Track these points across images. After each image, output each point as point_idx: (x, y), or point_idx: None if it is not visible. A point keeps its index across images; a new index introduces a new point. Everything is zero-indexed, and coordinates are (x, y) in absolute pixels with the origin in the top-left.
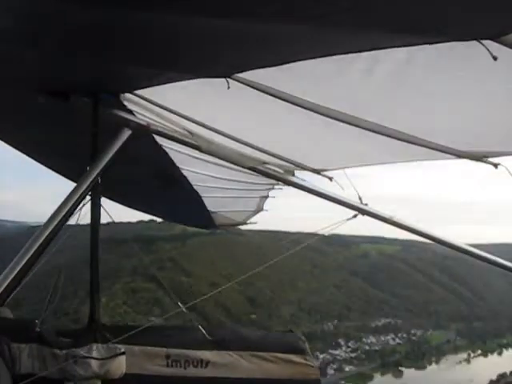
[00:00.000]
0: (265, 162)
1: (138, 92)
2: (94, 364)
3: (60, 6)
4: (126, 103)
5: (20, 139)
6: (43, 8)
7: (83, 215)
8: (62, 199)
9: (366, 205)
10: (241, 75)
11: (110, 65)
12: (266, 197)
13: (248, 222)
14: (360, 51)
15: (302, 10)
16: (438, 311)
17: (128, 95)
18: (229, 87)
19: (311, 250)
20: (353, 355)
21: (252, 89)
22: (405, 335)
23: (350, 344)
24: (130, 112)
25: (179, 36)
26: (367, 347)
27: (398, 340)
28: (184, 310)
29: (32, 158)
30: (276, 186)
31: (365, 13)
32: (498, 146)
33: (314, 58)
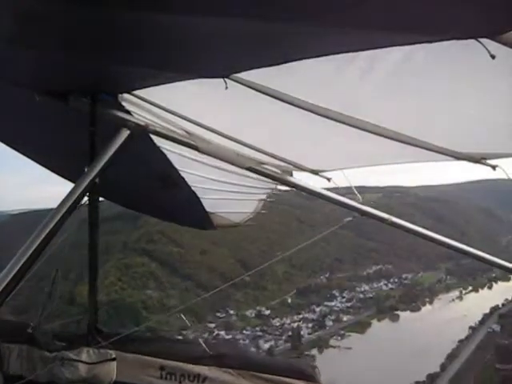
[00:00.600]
0: (263, 163)
1: (136, 92)
2: (82, 368)
3: (58, 6)
4: (124, 103)
5: (18, 139)
6: (41, 8)
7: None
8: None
9: (365, 205)
10: (239, 75)
11: (108, 65)
12: (265, 200)
13: (246, 222)
14: (358, 51)
15: (299, 9)
16: (425, 253)
17: (126, 95)
18: (227, 87)
19: (296, 207)
20: (348, 305)
21: (250, 89)
22: (396, 280)
23: (344, 294)
24: (128, 112)
25: (177, 36)
26: (361, 295)
27: (390, 285)
28: (184, 318)
29: (30, 158)
30: (275, 190)
31: (362, 12)
32: (496, 148)
33: (312, 57)
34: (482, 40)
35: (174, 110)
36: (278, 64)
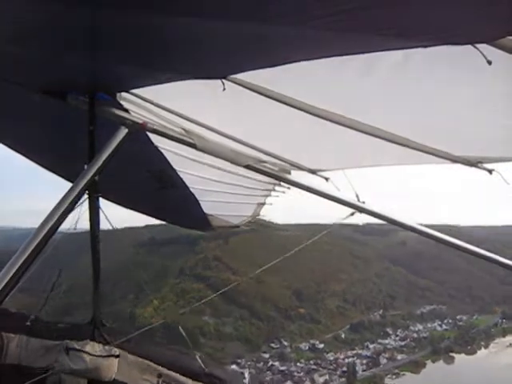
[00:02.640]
0: (261, 161)
1: (135, 91)
2: (86, 359)
3: (57, 6)
4: (122, 102)
5: (16, 139)
6: (40, 8)
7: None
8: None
9: (364, 203)
10: (237, 76)
11: (106, 64)
12: (263, 204)
13: (244, 225)
14: (357, 54)
15: (298, 12)
16: (480, 295)
17: (124, 94)
18: (224, 88)
19: (350, 240)
20: (402, 343)
21: (248, 90)
22: (451, 321)
23: (398, 332)
24: (126, 111)
25: (175, 37)
26: (415, 335)
27: (444, 326)
28: (183, 333)
29: (28, 157)
30: (273, 193)
31: (361, 15)
32: (493, 152)
33: (309, 59)
34: (478, 45)
35: (172, 108)
36: (276, 66)
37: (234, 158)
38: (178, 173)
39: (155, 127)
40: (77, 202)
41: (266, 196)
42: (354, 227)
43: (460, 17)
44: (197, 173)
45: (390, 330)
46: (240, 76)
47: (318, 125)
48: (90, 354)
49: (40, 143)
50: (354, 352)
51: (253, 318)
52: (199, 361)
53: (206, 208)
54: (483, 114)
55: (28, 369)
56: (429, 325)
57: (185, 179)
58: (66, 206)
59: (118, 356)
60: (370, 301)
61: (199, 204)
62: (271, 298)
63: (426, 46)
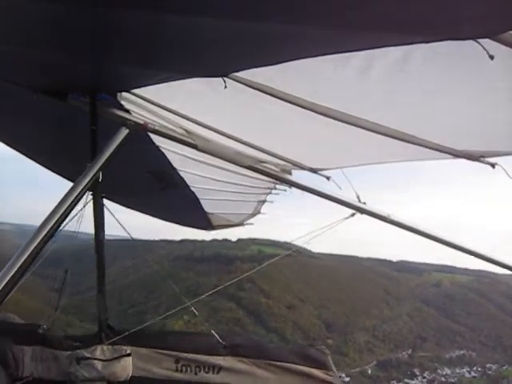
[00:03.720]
0: (262, 161)
1: (136, 91)
2: (98, 365)
3: (58, 7)
4: (123, 102)
5: (17, 139)
6: (41, 8)
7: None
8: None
9: (364, 203)
10: (238, 74)
11: (107, 64)
12: (264, 201)
13: (245, 223)
14: (357, 50)
15: (299, 9)
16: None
17: (125, 94)
18: (226, 86)
19: (384, 276)
20: None
21: (249, 88)
22: (480, 369)
23: (425, 374)
24: (127, 111)
25: (176, 35)
26: (443, 379)
27: (473, 373)
28: (196, 312)
29: (30, 157)
30: (273, 191)
31: (361, 12)
32: (495, 146)
33: (311, 57)
34: (480, 40)
35: (173, 108)
36: (277, 63)
37: (234, 159)
38: (179, 172)
39: (156, 128)
40: (77, 203)
41: (267, 194)
42: (389, 263)
43: (461, 11)
44: (197, 172)
45: (417, 371)
46: (241, 74)
47: (319, 122)
48: (102, 360)
49: (41, 143)
50: None
51: (282, 344)
52: (216, 336)
53: (207, 207)
54: (485, 108)
55: (45, 381)
56: (457, 370)
57: (186, 178)
58: (67, 206)
59: (129, 354)
60: (400, 339)
61: (200, 203)
62: (301, 326)
63: (427, 42)
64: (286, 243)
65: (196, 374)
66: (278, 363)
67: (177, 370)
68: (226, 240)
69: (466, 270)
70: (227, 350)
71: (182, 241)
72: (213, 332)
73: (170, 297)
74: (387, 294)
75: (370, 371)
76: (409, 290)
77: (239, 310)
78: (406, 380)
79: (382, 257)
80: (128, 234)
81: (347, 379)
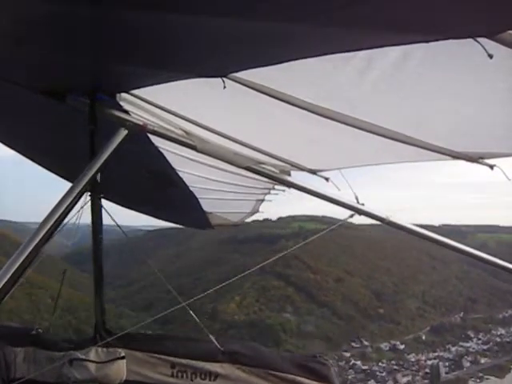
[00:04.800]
0: (261, 162)
1: (135, 92)
2: (92, 367)
3: (57, 7)
4: (122, 103)
5: (16, 139)
6: (40, 8)
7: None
8: None
9: (363, 205)
10: (237, 75)
11: (106, 65)
12: (262, 200)
13: (244, 222)
14: (357, 50)
15: (298, 9)
16: None
17: (124, 95)
18: (225, 87)
19: (428, 242)
20: (485, 347)
21: (248, 88)
22: None
23: (480, 336)
24: (126, 112)
25: (175, 35)
26: (498, 339)
27: None
28: (186, 307)
29: (29, 158)
30: (272, 191)
31: (361, 11)
32: (494, 147)
33: (310, 57)
34: (479, 39)
35: (173, 109)
36: (277, 63)
37: (234, 160)
38: (178, 172)
39: (155, 129)
40: (76, 203)
41: (265, 194)
42: (431, 228)
43: (461, 11)
44: (196, 172)
45: (471, 333)
46: (240, 74)
47: (318, 123)
48: (95, 362)
49: (40, 143)
50: (436, 354)
51: (333, 317)
52: (214, 341)
53: (206, 206)
54: (484, 109)
55: (37, 382)
56: None
57: (184, 178)
58: (66, 207)
59: (123, 357)
60: (450, 303)
61: (199, 203)
62: (351, 298)
63: (427, 41)
64: (324, 217)
65: (192, 380)
66: (278, 373)
67: (172, 376)
68: (266, 220)
69: (510, 228)
70: (225, 356)
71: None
72: (211, 337)
73: (217, 282)
74: (433, 259)
75: (424, 337)
76: (455, 253)
77: (288, 287)
78: (460, 343)
79: (424, 222)
80: (125, 234)
81: (402, 347)
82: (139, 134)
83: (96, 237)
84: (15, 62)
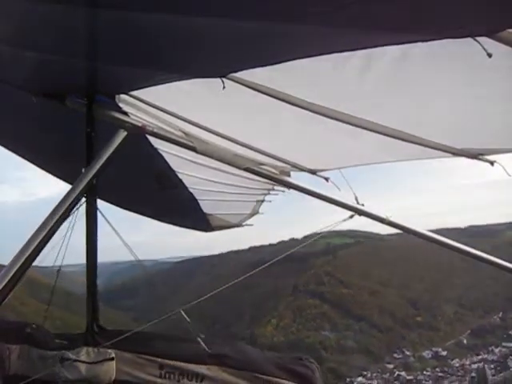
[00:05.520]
0: (260, 163)
1: (134, 93)
2: (82, 367)
3: (57, 8)
4: (121, 104)
5: (15, 141)
6: (39, 10)
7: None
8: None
9: (363, 205)
10: (236, 75)
11: (105, 66)
12: (262, 201)
13: (244, 224)
14: (354, 49)
15: (297, 9)
16: None
17: (123, 96)
18: (224, 87)
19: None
20: None
21: (247, 88)
22: None
23: None
24: (125, 113)
25: (174, 37)
26: None
27: None
28: (184, 314)
29: (27, 160)
30: (272, 192)
31: (360, 11)
32: (494, 144)
33: (309, 56)
34: (478, 39)
35: (172, 110)
36: (276, 63)
37: (233, 161)
38: (177, 174)
39: (155, 130)
40: (75, 205)
41: (265, 194)
42: (458, 231)
43: (460, 10)
44: (196, 174)
45: None
46: (239, 74)
47: (318, 122)
48: (85, 362)
49: (39, 145)
50: (480, 357)
51: (372, 330)
52: (202, 343)
53: (206, 208)
54: (484, 106)
55: (31, 380)
56: None
57: (184, 180)
58: (64, 209)
59: (113, 358)
60: (488, 304)
61: (199, 204)
62: (387, 309)
63: (426, 40)
64: (350, 231)
65: (179, 381)
66: (264, 377)
67: (160, 376)
68: (292, 239)
69: None
70: (212, 359)
71: (250, 248)
72: (199, 339)
73: (252, 306)
74: (465, 261)
75: (465, 341)
76: (486, 253)
77: (323, 304)
78: (503, 343)
79: (450, 226)
80: (130, 251)
81: (444, 353)
82: (138, 136)
83: (90, 239)
84: (14, 65)
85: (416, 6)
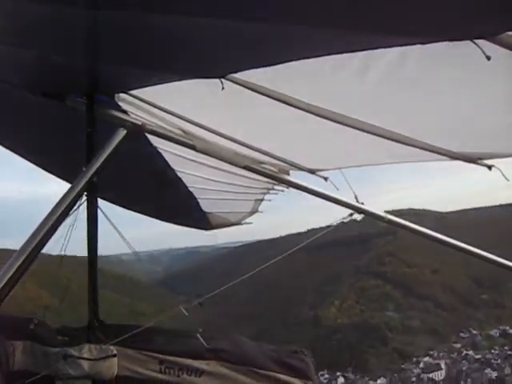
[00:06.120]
0: (260, 162)
1: (134, 92)
2: (85, 364)
3: (56, 8)
4: (120, 103)
5: (14, 141)
6: (39, 9)
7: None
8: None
9: (362, 203)
10: (235, 75)
11: (104, 66)
12: (262, 200)
13: (243, 222)
14: (355, 51)
15: (297, 10)
16: None
17: (123, 95)
18: (223, 88)
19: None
20: None
21: (246, 89)
22: None
23: None
24: (125, 112)
25: (173, 37)
26: None
27: None
28: (185, 312)
29: (27, 159)
30: (271, 191)
31: (358, 13)
32: (492, 148)
33: (308, 58)
34: (477, 41)
35: (171, 109)
36: (275, 64)
37: (233, 159)
38: (177, 172)
39: (154, 128)
40: (75, 204)
41: (265, 193)
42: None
43: (459, 12)
44: (195, 172)
45: None
46: (238, 75)
47: (316, 124)
48: (88, 359)
49: (39, 144)
50: None
51: (436, 309)
52: (201, 339)
53: (205, 207)
54: (482, 110)
55: (34, 375)
56: None
57: (183, 178)
58: (64, 208)
59: (115, 355)
60: None
61: (198, 203)
62: (451, 287)
63: (424, 43)
64: (410, 210)
65: (179, 376)
66: (260, 371)
67: (160, 372)
68: (351, 221)
69: None
70: (210, 354)
71: (309, 230)
72: (198, 335)
73: (313, 288)
74: None
75: None
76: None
77: (386, 284)
78: None
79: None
80: (128, 245)
81: None
82: (138, 134)
83: (91, 236)
84: (14, 64)
85: (415, 9)
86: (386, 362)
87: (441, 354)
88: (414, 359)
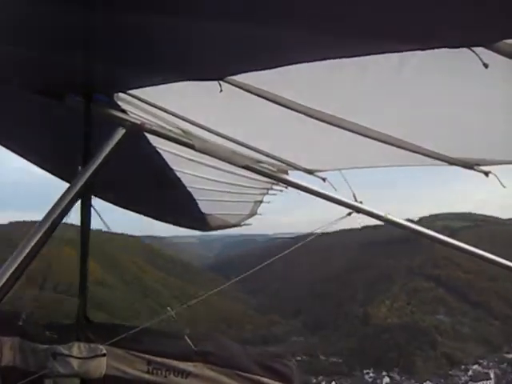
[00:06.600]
0: (259, 161)
1: (133, 92)
2: (74, 363)
3: (55, 7)
4: (119, 103)
5: (12, 140)
6: (37, 8)
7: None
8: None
9: (361, 203)
10: (234, 78)
11: (103, 65)
12: (261, 201)
13: (242, 224)
14: (351, 56)
15: (296, 14)
16: None
17: (122, 95)
18: (221, 90)
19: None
20: None
21: (245, 91)
22: None
23: None
24: (124, 111)
25: (172, 38)
26: None
27: None
28: (173, 315)
29: (26, 159)
30: (270, 191)
31: (357, 18)
32: (490, 154)
33: (307, 61)
34: (475, 49)
35: (170, 108)
36: (273, 67)
37: (231, 159)
38: (176, 172)
39: (153, 128)
40: (73, 204)
41: (264, 194)
42: None
43: (457, 20)
44: (194, 172)
45: None
46: (237, 77)
47: (315, 126)
48: (77, 357)
49: (38, 144)
50: None
51: (489, 318)
52: (188, 341)
53: (204, 208)
54: (480, 116)
55: (23, 371)
56: None
57: (182, 178)
58: (63, 208)
59: (104, 354)
60: None
61: (197, 204)
62: (506, 297)
63: (423, 49)
64: (469, 214)
65: (166, 376)
66: (246, 374)
67: (148, 372)
68: (407, 220)
69: None
70: (198, 356)
71: (364, 228)
72: (186, 337)
73: (364, 286)
74: None
75: None
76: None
77: (439, 288)
78: None
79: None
80: (102, 221)
81: None
82: (137, 134)
83: (84, 237)
84: (12, 63)
85: (413, 16)
86: (434, 366)
87: (491, 363)
88: (463, 366)
